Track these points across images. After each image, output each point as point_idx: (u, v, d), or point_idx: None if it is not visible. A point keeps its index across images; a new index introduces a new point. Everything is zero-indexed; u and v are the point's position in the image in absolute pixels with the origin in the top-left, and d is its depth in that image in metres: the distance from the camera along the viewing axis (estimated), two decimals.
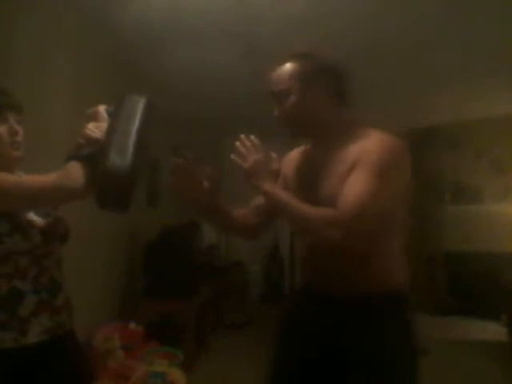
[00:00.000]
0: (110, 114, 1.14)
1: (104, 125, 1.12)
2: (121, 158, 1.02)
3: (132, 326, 2.78)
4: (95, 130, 1.10)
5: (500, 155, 4.72)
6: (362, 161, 1.07)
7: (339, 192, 1.07)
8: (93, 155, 1.05)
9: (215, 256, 4.95)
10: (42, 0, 2.20)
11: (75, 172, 1.04)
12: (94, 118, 1.14)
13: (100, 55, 2.85)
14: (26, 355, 1.07)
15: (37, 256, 1.12)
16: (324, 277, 1.20)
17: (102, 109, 1.16)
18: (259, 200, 1.34)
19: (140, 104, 1.13)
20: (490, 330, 4.06)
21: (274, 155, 1.35)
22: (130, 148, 1.04)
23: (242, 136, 1.23)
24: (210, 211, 1.33)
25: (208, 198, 1.29)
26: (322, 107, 1.19)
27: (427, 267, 5.03)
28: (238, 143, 1.23)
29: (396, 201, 1.11)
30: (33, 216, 1.13)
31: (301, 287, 1.36)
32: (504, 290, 3.90)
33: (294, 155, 1.37)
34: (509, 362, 3.27)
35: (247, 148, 1.21)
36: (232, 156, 1.22)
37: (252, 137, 1.23)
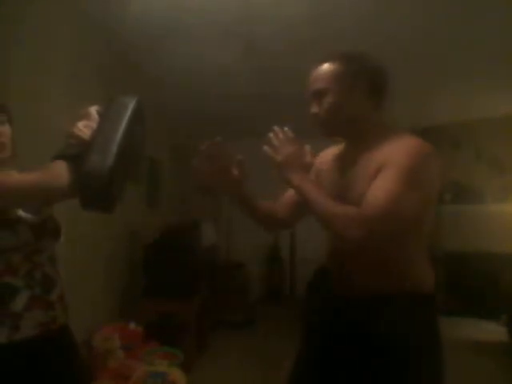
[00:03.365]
0: (100, 115, 1.16)
1: (94, 125, 1.13)
2: (101, 158, 1.03)
3: (132, 326, 2.78)
4: (84, 129, 1.11)
5: (500, 155, 4.72)
6: (389, 163, 1.06)
7: (365, 193, 1.06)
8: (79, 155, 1.06)
9: (215, 256, 4.95)
10: (43, 0, 2.20)
11: (60, 171, 1.05)
12: (86, 118, 1.15)
13: (100, 55, 2.85)
14: (20, 351, 1.08)
15: (28, 252, 1.13)
16: (349, 277, 1.19)
17: (93, 109, 1.17)
18: (290, 193, 1.34)
19: (128, 106, 1.13)
20: (490, 330, 4.06)
21: (308, 148, 1.32)
22: (112, 149, 1.04)
23: (276, 128, 1.22)
24: (238, 198, 1.34)
25: (235, 185, 1.30)
26: (358, 109, 1.19)
27: None
28: (270, 135, 1.22)
29: (424, 205, 1.09)
30: (22, 213, 1.14)
31: (326, 286, 1.34)
32: (504, 289, 3.91)
33: (329, 153, 1.36)
34: (509, 362, 3.27)
35: (280, 140, 1.20)
36: (264, 148, 1.21)
37: (286, 129, 1.22)
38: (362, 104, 1.18)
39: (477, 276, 4.62)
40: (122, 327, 2.69)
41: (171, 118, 4.33)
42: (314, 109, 1.21)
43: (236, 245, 5.40)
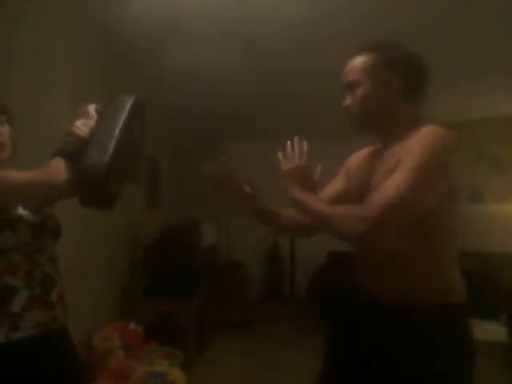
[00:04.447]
0: (99, 113, 1.17)
1: (92, 123, 1.14)
2: (99, 154, 1.03)
3: (132, 326, 2.78)
4: (82, 127, 1.13)
5: (500, 155, 4.72)
6: (403, 157, 1.02)
7: None
8: (77, 152, 1.07)
9: (215, 256, 4.95)
10: (43, 0, 2.20)
11: (58, 168, 1.05)
12: (84, 116, 1.16)
13: (100, 55, 2.85)
14: (18, 350, 1.08)
15: (28, 252, 1.13)
16: (376, 282, 1.15)
17: (91, 107, 1.18)
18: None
19: (127, 103, 1.15)
20: (490, 330, 4.06)
21: (319, 168, 1.29)
22: (110, 145, 1.05)
23: (296, 139, 1.24)
24: (256, 213, 1.36)
25: (250, 201, 1.33)
26: (391, 102, 1.14)
27: None
28: (289, 143, 1.24)
29: (440, 200, 1.02)
30: (22, 212, 1.14)
31: (355, 290, 1.28)
32: (504, 289, 3.90)
33: (363, 153, 1.34)
34: (509, 362, 3.27)
35: (294, 151, 1.22)
36: (278, 153, 1.24)
37: (304, 142, 1.24)
38: (394, 97, 1.14)
39: (477, 276, 4.61)
40: (122, 327, 2.69)
41: (171, 118, 4.32)
42: (347, 101, 1.19)
43: (236, 245, 5.40)
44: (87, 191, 1.05)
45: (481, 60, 3.09)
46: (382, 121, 1.17)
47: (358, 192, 1.18)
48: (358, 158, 1.35)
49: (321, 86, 3.49)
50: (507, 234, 4.42)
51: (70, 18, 2.43)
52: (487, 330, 4.09)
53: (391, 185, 0.98)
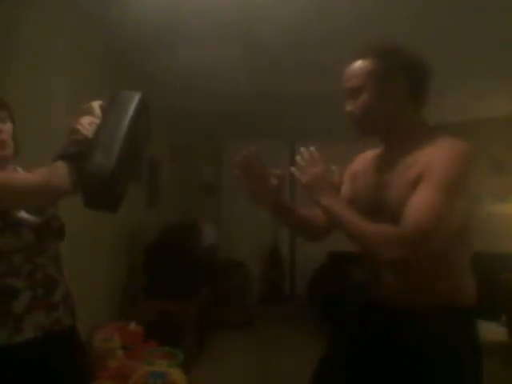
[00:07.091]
0: (104, 111, 1.14)
1: (97, 121, 1.12)
2: (105, 157, 1.02)
3: (132, 326, 2.78)
4: (87, 126, 1.11)
5: (500, 156, 4.72)
6: (428, 173, 1.00)
7: (403, 203, 1.01)
8: (80, 154, 1.06)
9: (215, 256, 4.95)
10: (43, 0, 2.20)
11: (62, 171, 1.05)
12: (89, 113, 1.14)
13: (100, 55, 2.85)
14: (20, 352, 1.07)
15: (30, 253, 1.12)
16: (388, 288, 1.15)
17: (96, 104, 1.16)
18: None
19: (132, 102, 1.12)
20: (490, 330, 4.06)
21: (334, 167, 1.31)
22: (116, 147, 1.04)
23: (302, 149, 1.19)
24: (277, 208, 1.34)
25: (275, 195, 1.31)
26: (395, 108, 1.12)
27: None
28: (298, 157, 1.18)
29: (466, 214, 1.03)
30: (24, 214, 1.12)
31: (365, 300, 1.27)
32: (504, 290, 3.91)
33: (368, 155, 1.32)
34: (509, 362, 3.27)
35: (306, 161, 1.17)
36: (291, 169, 1.19)
37: (312, 149, 1.18)
38: (400, 103, 1.12)
39: (477, 276, 4.61)
40: (122, 327, 2.69)
41: (171, 118, 4.32)
42: (349, 107, 1.16)
43: (236, 245, 5.40)
44: (92, 195, 1.04)
45: (482, 61, 3.09)
46: (386, 127, 1.15)
47: (365, 199, 1.17)
48: (363, 161, 1.32)
49: (321, 85, 3.50)
50: (507, 234, 4.42)
51: (70, 18, 2.43)
52: (487, 330, 4.09)
53: (425, 207, 0.96)
